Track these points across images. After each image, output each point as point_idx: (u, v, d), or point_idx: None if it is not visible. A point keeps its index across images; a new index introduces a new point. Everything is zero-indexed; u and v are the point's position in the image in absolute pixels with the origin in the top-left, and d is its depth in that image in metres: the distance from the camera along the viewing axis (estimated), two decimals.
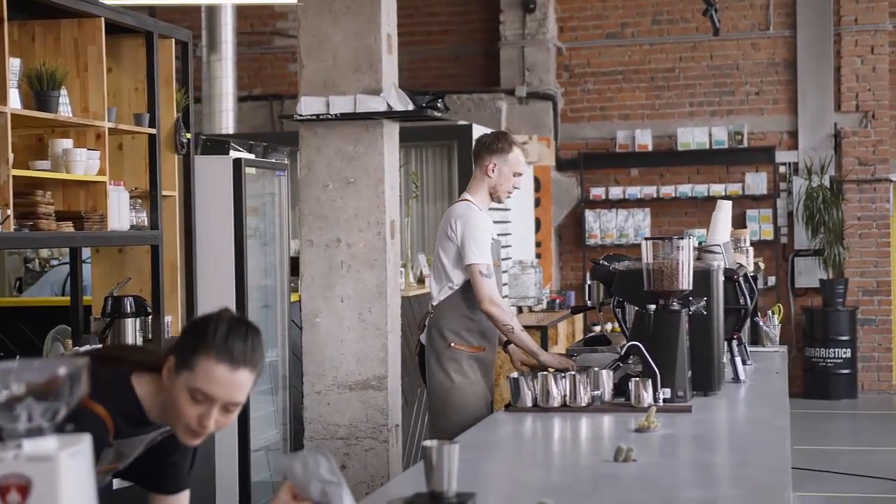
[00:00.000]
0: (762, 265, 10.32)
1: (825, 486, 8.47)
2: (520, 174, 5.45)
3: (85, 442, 1.85)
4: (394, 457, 5.85)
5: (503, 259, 10.32)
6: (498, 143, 5.41)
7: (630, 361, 4.51)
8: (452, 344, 5.29)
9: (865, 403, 12.24)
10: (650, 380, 4.25)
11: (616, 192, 12.96)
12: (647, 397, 4.21)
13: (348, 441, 5.79)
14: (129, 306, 5.53)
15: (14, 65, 4.77)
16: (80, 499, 1.82)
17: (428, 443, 2.76)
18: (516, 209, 11.19)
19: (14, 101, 4.74)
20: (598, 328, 12.34)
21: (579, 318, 11.45)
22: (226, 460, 6.37)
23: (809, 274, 12.66)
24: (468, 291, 5.25)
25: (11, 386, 1.81)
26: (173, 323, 5.97)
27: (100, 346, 5.18)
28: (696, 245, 5.20)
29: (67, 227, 5.02)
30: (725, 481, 3.18)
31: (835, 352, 12.30)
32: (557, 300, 11.51)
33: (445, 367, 5.29)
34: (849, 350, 12.32)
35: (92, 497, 1.85)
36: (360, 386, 6.02)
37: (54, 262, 9.10)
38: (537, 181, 12.60)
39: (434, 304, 5.40)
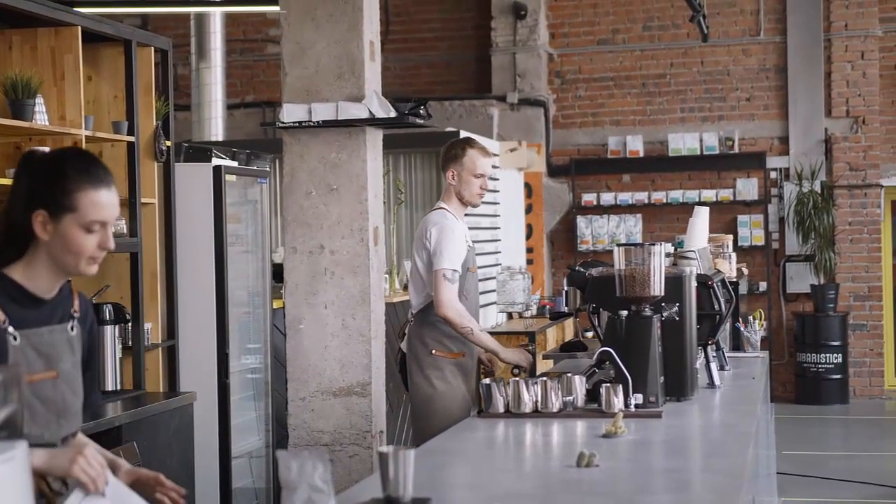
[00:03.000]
0: (745, 271, 10.31)
1: (814, 491, 8.47)
2: (482, 175, 5.49)
3: (20, 449, 1.86)
4: (377, 463, 5.86)
5: (492, 265, 10.39)
6: (452, 150, 5.54)
7: (604, 367, 4.52)
8: (434, 351, 5.36)
9: (857, 408, 12.24)
10: (621, 385, 4.26)
11: (607, 198, 12.98)
12: (618, 403, 4.22)
13: (332, 447, 5.80)
14: (108, 313, 5.54)
15: None
16: (16, 502, 1.83)
17: (383, 449, 2.79)
18: (507, 215, 11.21)
19: None
20: (590, 334, 12.36)
21: (569, 323, 11.46)
22: (206, 466, 6.38)
23: (801, 279, 12.66)
24: None
25: None
26: (153, 330, 5.98)
27: None
28: (671, 251, 5.21)
29: None
30: (685, 486, 3.18)
31: (826, 357, 12.30)
32: (548, 306, 11.52)
33: (427, 374, 5.35)
34: (840, 355, 12.32)
35: (29, 501, 1.87)
36: (344, 392, 6.03)
37: None
38: (529, 187, 12.62)
39: (414, 311, 5.46)
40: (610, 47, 13.20)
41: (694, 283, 4.75)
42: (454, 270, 5.27)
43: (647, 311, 4.46)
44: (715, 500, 2.95)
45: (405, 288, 8.53)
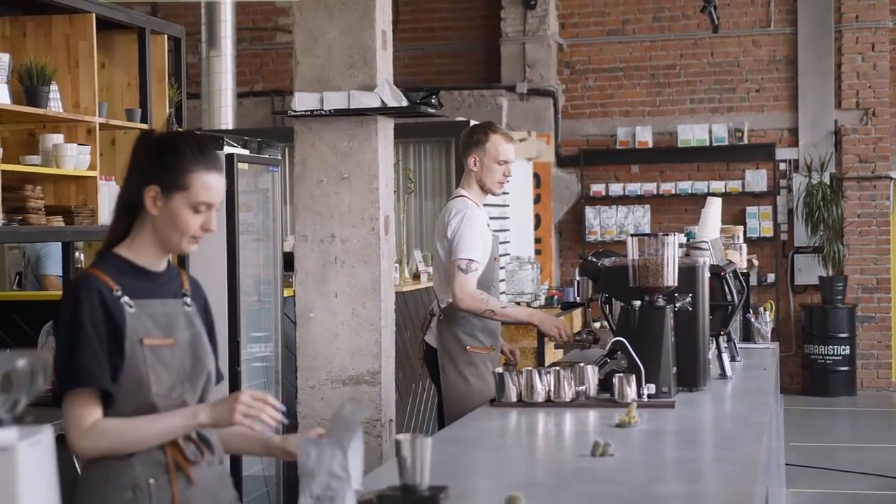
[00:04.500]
0: (756, 262, 10.31)
1: (821, 482, 8.48)
2: (505, 161, 5.34)
3: (45, 433, 1.87)
4: (387, 452, 5.86)
5: (501, 255, 10.37)
6: (474, 135, 5.36)
7: (617, 357, 4.52)
8: (468, 347, 5.24)
9: (864, 400, 12.24)
10: (634, 375, 4.27)
11: (616, 188, 12.98)
12: (631, 393, 4.23)
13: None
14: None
15: (3, 60, 4.79)
16: (40, 489, 1.84)
17: (400, 437, 2.79)
18: (515, 205, 11.20)
19: (3, 96, 4.76)
20: (597, 325, 12.36)
21: (578, 313, 11.46)
22: None
23: (809, 271, 12.66)
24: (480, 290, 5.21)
25: None
26: None
27: None
28: (684, 242, 5.21)
29: (58, 222, 5.04)
30: (700, 476, 3.19)
31: (834, 349, 12.30)
32: (556, 296, 11.52)
33: (461, 371, 5.23)
34: (848, 347, 12.32)
35: (53, 488, 1.88)
36: (354, 381, 6.04)
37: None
38: (537, 177, 12.61)
39: (443, 305, 5.31)
40: (619, 38, 13.18)
41: (707, 274, 4.75)
42: (470, 260, 5.15)
43: (661, 302, 4.46)
44: (731, 490, 2.96)
45: (415, 277, 8.54)
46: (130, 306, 2.80)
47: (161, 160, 2.83)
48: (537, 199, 12.59)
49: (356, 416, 2.69)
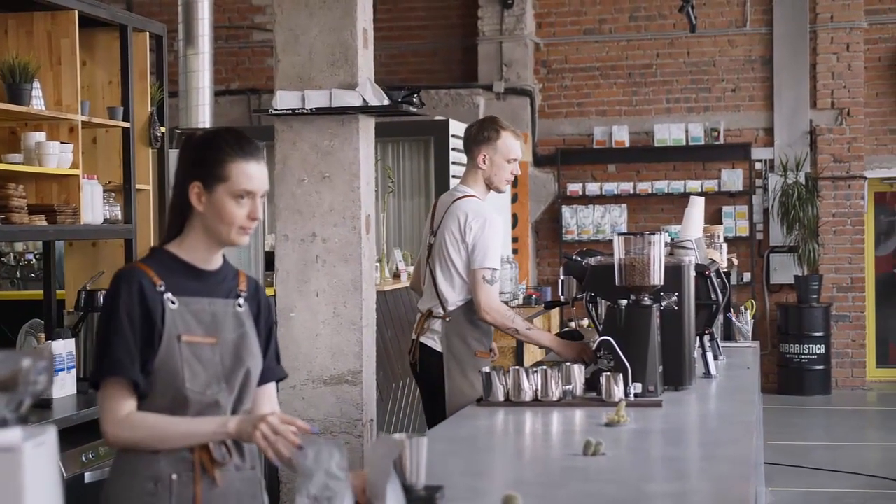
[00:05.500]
0: (736, 261, 10.36)
1: (798, 481, 8.52)
2: (514, 159, 5.19)
3: (49, 433, 1.85)
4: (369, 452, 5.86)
5: None
6: (484, 131, 5.18)
7: (601, 356, 4.52)
8: (477, 353, 5.10)
9: (839, 399, 12.32)
10: (621, 375, 4.27)
11: (593, 188, 13.00)
12: (618, 392, 4.23)
13: (323, 436, 5.79)
14: (101, 300, 5.51)
15: None
16: (45, 491, 1.82)
17: (397, 436, 2.78)
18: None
19: None
20: (573, 323, 12.38)
21: (555, 313, 11.48)
22: None
23: (784, 270, 12.72)
24: None
25: None
26: None
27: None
28: (668, 241, 5.22)
29: (40, 221, 5.01)
30: (691, 475, 3.20)
31: (809, 348, 12.37)
32: (534, 296, 11.53)
33: (469, 377, 5.04)
34: (823, 346, 12.39)
35: (58, 489, 1.86)
36: (335, 381, 6.02)
37: (29, 257, 9.05)
38: (514, 177, 12.59)
39: (450, 308, 5.12)
40: (596, 37, 13.20)
41: (693, 273, 4.76)
42: (494, 270, 4.98)
43: (647, 301, 4.47)
44: (724, 488, 2.96)
45: (395, 276, 8.52)
46: (173, 302, 2.85)
47: (201, 156, 2.90)
48: (514, 199, 12.60)
49: (326, 462, 2.68)
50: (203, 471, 2.85)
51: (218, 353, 2.90)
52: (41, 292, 6.10)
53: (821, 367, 12.41)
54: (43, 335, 5.53)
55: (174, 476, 2.84)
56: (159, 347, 2.82)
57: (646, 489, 3.01)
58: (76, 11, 5.28)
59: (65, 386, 4.94)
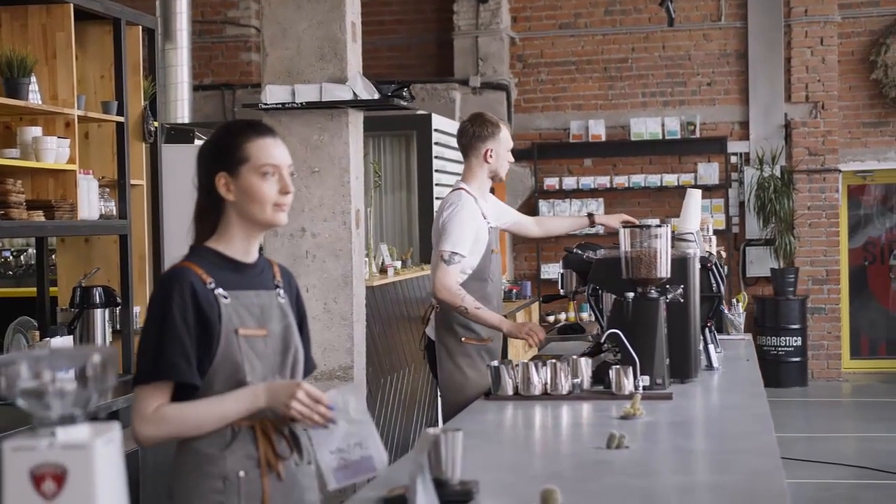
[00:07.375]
0: (724, 254, 10.40)
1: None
2: (511, 149, 5.51)
3: (115, 430, 1.83)
4: None
5: None
6: (486, 127, 5.37)
7: (606, 349, 4.52)
8: (464, 339, 5.23)
9: (815, 391, 12.40)
10: (631, 367, 4.27)
11: (570, 182, 13.01)
12: (629, 385, 4.23)
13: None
14: (98, 297, 5.46)
15: None
16: (115, 486, 1.80)
17: (432, 430, 2.76)
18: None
19: None
20: (563, 317, 12.40)
21: (535, 307, 11.50)
22: None
23: (760, 263, 12.79)
24: (474, 282, 5.19)
25: (43, 374, 1.79)
26: (142, 314, 5.90)
27: None
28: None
29: (38, 216, 4.95)
30: (722, 467, 3.19)
31: (785, 340, 12.44)
32: (514, 290, 11.55)
33: (458, 363, 5.22)
34: (799, 338, 12.47)
35: (124, 484, 1.84)
36: (326, 376, 6.00)
37: (6, 254, 8.96)
38: None
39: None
40: (572, 31, 13.21)
41: (698, 265, 4.77)
42: (453, 252, 5.12)
43: (654, 293, 4.47)
44: (759, 481, 2.96)
45: (382, 272, 8.48)
46: (225, 297, 2.84)
47: (218, 148, 2.91)
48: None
49: (343, 409, 2.73)
50: (269, 466, 2.83)
51: (270, 345, 2.89)
52: (23, 290, 6.04)
53: (797, 360, 12.49)
54: (37, 333, 5.47)
55: (241, 473, 2.81)
56: (218, 344, 2.80)
57: (679, 482, 3.01)
58: (72, 5, 5.22)
59: None
